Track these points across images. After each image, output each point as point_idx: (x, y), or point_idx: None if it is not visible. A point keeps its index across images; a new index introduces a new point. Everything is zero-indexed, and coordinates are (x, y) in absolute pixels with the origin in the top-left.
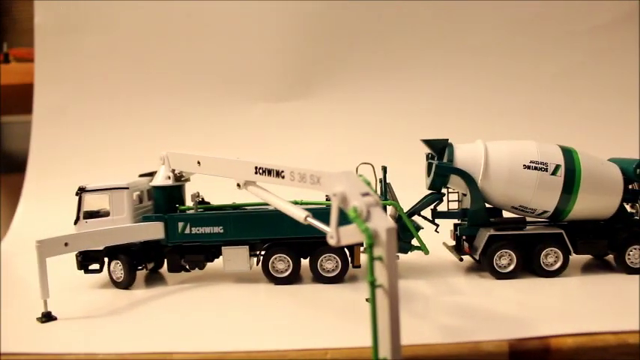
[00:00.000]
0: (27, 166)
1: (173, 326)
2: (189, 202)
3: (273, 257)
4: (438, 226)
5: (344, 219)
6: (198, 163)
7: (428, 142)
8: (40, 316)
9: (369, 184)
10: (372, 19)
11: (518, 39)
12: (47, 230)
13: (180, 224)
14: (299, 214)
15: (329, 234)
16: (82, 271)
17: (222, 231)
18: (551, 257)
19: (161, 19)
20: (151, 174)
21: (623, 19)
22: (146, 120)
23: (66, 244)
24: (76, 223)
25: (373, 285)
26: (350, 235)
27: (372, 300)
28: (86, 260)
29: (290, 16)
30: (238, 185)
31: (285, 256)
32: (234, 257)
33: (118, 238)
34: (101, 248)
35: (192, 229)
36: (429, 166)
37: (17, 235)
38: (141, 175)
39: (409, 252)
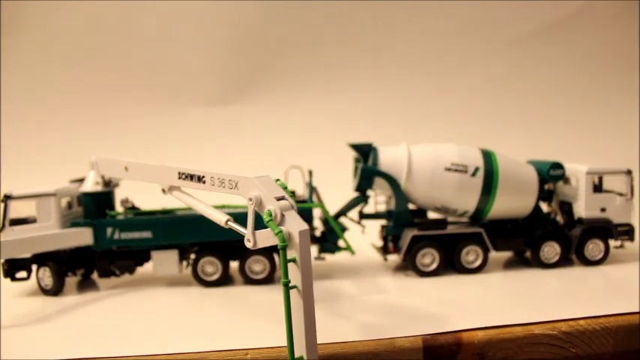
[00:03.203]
0: None
1: (100, 331)
2: (119, 208)
3: (202, 260)
4: (364, 227)
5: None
6: (126, 168)
7: (354, 146)
8: None
9: (285, 188)
10: (309, 22)
11: (451, 43)
12: None
13: (109, 229)
14: (220, 218)
15: (246, 237)
16: (9, 279)
17: (151, 235)
18: (471, 255)
19: (98, 20)
20: (82, 180)
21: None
22: (80, 123)
23: None
24: (1, 230)
25: (287, 286)
26: (266, 238)
27: (287, 301)
28: (13, 268)
29: (227, 20)
30: (163, 190)
31: (214, 259)
32: (164, 261)
33: (45, 245)
34: (28, 256)
35: (121, 234)
36: (356, 169)
37: None
38: (72, 181)
39: (336, 253)
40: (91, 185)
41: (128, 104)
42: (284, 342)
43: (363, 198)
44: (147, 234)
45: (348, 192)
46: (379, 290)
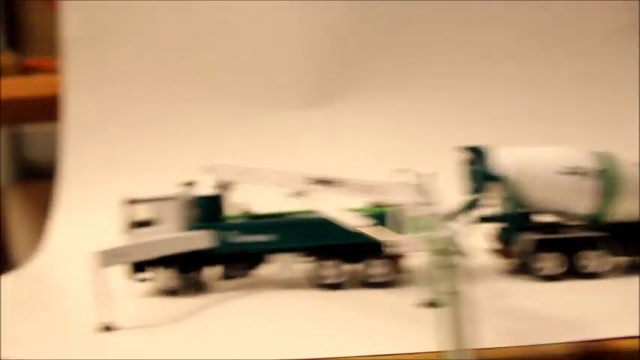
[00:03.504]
0: (59, 176)
1: (232, 335)
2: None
3: (322, 264)
4: (477, 230)
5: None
6: (247, 174)
7: (466, 149)
8: (98, 326)
9: (429, 192)
10: (405, 18)
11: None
12: (85, 240)
13: (230, 232)
14: (356, 223)
15: (392, 242)
16: (133, 280)
17: (270, 239)
18: (593, 260)
19: (190, 25)
20: (191, 184)
21: None
22: (176, 128)
23: (120, 255)
24: (123, 233)
25: (448, 293)
26: (413, 243)
27: (444, 306)
28: (136, 270)
29: (322, 15)
30: (292, 195)
31: (333, 262)
32: (283, 265)
33: (169, 247)
34: (153, 258)
35: (242, 237)
36: (469, 171)
37: (56, 245)
38: (182, 185)
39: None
40: (207, 189)
41: (219, 108)
42: (426, 347)
43: (476, 201)
44: (268, 237)
45: (452, 194)
46: (504, 294)
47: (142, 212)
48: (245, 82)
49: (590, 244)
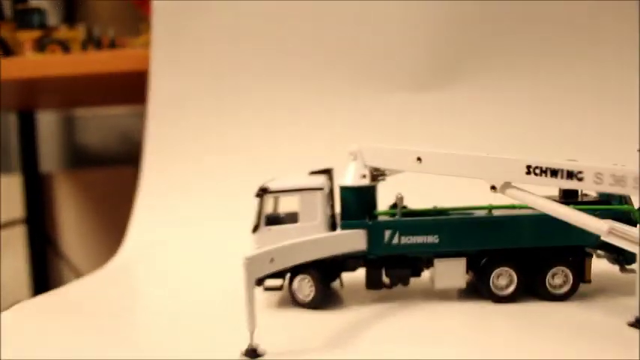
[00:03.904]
0: (142, 163)
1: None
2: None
3: (495, 271)
4: None
5: None
6: (419, 159)
7: None
8: (245, 351)
9: None
10: (522, 12)
11: None
12: (172, 235)
13: (388, 232)
14: (597, 226)
15: None
16: (260, 287)
17: (437, 240)
18: None
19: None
20: (325, 172)
21: None
22: (272, 110)
23: (272, 260)
24: (255, 230)
25: None
26: None
27: None
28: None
29: (434, 5)
30: (493, 188)
31: (508, 269)
32: (449, 271)
33: (324, 250)
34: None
35: (402, 238)
36: None
37: (139, 239)
38: (312, 173)
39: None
40: (355, 178)
41: (323, 90)
42: None
43: None
44: (433, 238)
45: None
46: None
47: (271, 204)
48: (352, 62)
49: None
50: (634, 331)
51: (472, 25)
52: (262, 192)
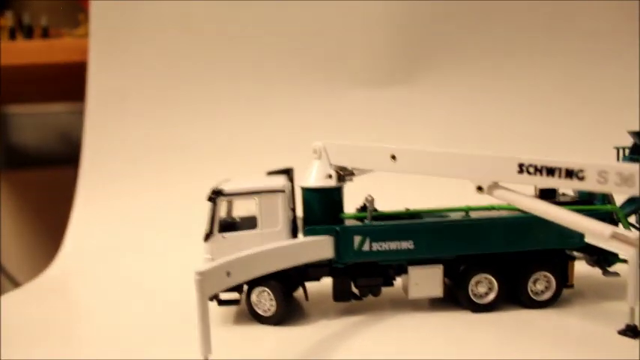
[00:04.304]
0: (80, 162)
1: None
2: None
3: (473, 278)
4: None
5: None
6: (393, 157)
7: (638, 134)
8: None
9: None
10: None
11: None
12: (112, 241)
13: (357, 238)
14: (600, 230)
15: None
16: (215, 302)
17: (412, 246)
18: None
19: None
20: (285, 171)
21: None
22: (223, 105)
23: (228, 274)
24: (207, 238)
25: None
26: None
27: None
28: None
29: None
30: (480, 189)
31: (488, 275)
32: (425, 279)
33: (287, 259)
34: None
35: (373, 244)
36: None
37: (77, 245)
38: (269, 173)
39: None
40: (319, 179)
41: (281, 86)
42: None
43: None
44: (407, 244)
45: None
46: None
47: (224, 208)
48: (308, 58)
49: None
50: (623, 339)
51: (430, 24)
52: (215, 195)
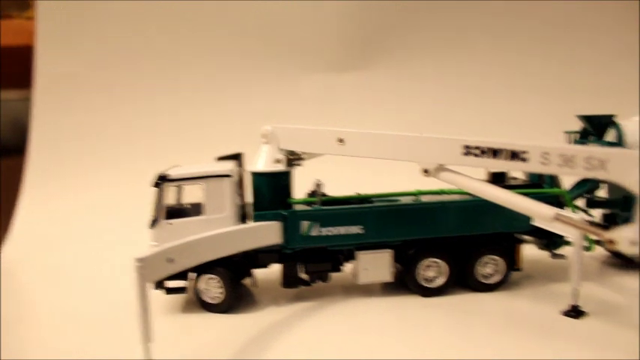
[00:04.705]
0: (28, 150)
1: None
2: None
3: (422, 262)
4: (592, 216)
5: None
6: (341, 140)
7: (587, 118)
8: None
9: None
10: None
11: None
12: (59, 230)
13: (306, 223)
14: (544, 212)
15: (629, 239)
16: (162, 291)
17: (361, 231)
18: None
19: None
20: (235, 156)
21: None
22: (175, 90)
23: (170, 260)
24: (153, 225)
25: None
26: None
27: None
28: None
29: None
30: (426, 171)
31: (437, 260)
32: (374, 264)
33: (233, 245)
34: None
35: (322, 229)
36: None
37: (23, 236)
38: (219, 159)
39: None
40: (268, 164)
41: (241, 71)
42: None
43: (595, 182)
44: (357, 229)
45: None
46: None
47: (173, 194)
48: (266, 43)
49: None
50: (568, 320)
51: (384, 9)
52: (161, 180)
